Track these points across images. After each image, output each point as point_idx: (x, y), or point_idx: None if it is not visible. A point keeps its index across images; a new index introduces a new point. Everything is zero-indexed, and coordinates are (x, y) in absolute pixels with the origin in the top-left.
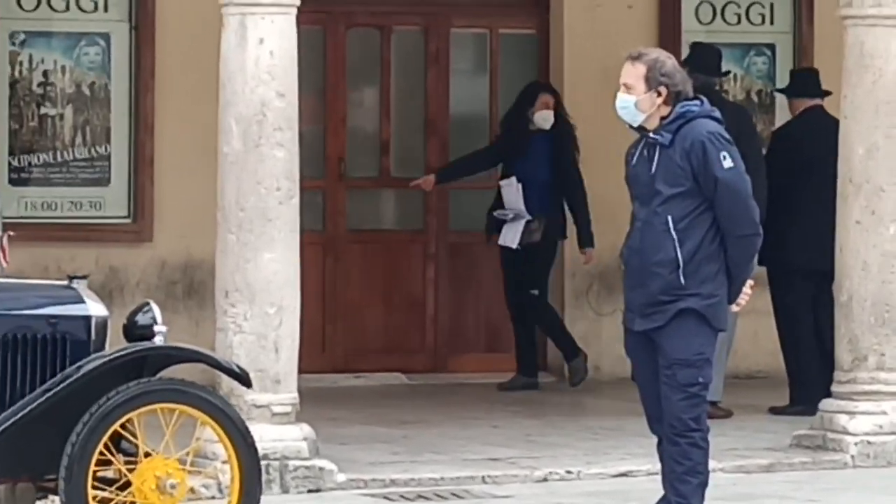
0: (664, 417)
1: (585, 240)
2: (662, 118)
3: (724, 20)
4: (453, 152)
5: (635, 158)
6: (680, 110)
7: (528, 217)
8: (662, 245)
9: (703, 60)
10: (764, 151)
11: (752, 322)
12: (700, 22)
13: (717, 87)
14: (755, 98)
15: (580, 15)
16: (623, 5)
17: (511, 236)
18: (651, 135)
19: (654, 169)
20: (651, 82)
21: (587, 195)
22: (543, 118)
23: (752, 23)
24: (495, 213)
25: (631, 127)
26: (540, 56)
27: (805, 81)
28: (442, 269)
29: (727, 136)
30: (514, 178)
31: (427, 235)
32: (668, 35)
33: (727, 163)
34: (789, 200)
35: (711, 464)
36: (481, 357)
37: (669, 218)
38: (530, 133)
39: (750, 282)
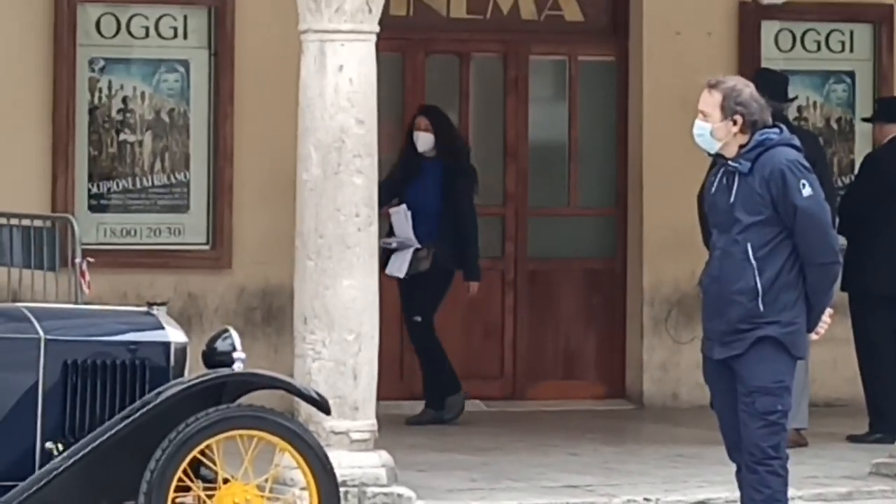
0: (743, 445)
1: (470, 273)
2: (741, 146)
3: (804, 47)
4: (532, 179)
5: (714, 187)
6: (759, 138)
7: (417, 245)
8: (742, 273)
9: (770, 87)
10: (849, 178)
11: (831, 350)
12: (779, 49)
13: (796, 115)
14: (835, 126)
15: (659, 42)
16: (702, 32)
17: (398, 265)
18: (730, 163)
19: (733, 197)
20: (726, 111)
21: (477, 228)
22: (420, 140)
23: (831, 50)
24: (380, 242)
25: (709, 154)
26: (619, 83)
27: (891, 108)
28: (521, 296)
29: (806, 164)
30: (403, 206)
31: (506, 262)
32: (747, 62)
33: (807, 191)
34: (874, 227)
35: (790, 492)
36: (560, 384)
37: (749, 246)
38: (421, 158)
39: (829, 310)
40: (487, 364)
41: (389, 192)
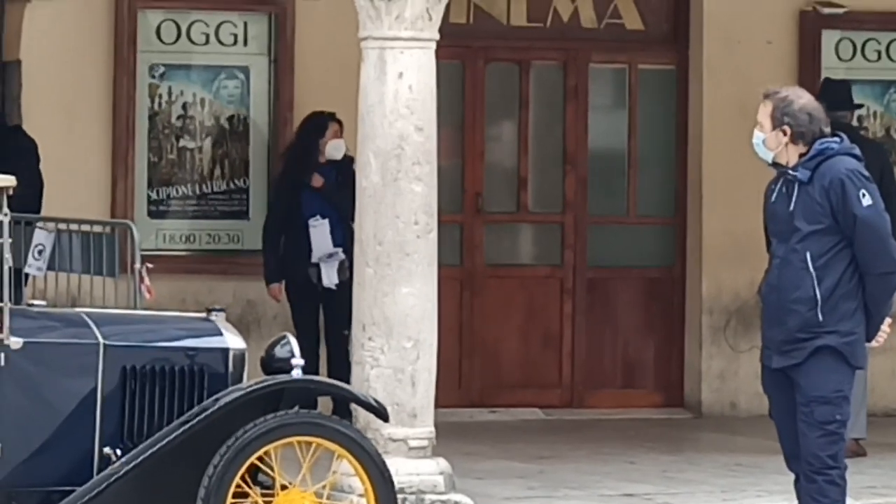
0: (801, 455)
1: None
2: (801, 155)
3: (864, 57)
4: (591, 188)
5: (774, 195)
6: (819, 147)
7: (342, 255)
8: (801, 282)
9: (835, 96)
10: None
11: (890, 360)
12: (840, 58)
13: (857, 125)
14: (895, 135)
15: (719, 51)
16: (763, 41)
17: (331, 275)
18: (790, 172)
19: (792, 206)
20: (776, 121)
21: None
22: (336, 147)
23: (892, 59)
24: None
25: (768, 164)
26: (678, 92)
27: None
28: (579, 305)
29: (866, 173)
30: (318, 217)
31: (564, 270)
32: (807, 71)
33: (866, 201)
34: None
35: (849, 502)
36: (618, 392)
37: (808, 255)
38: (316, 167)
39: (888, 320)
40: (546, 372)
41: (283, 222)
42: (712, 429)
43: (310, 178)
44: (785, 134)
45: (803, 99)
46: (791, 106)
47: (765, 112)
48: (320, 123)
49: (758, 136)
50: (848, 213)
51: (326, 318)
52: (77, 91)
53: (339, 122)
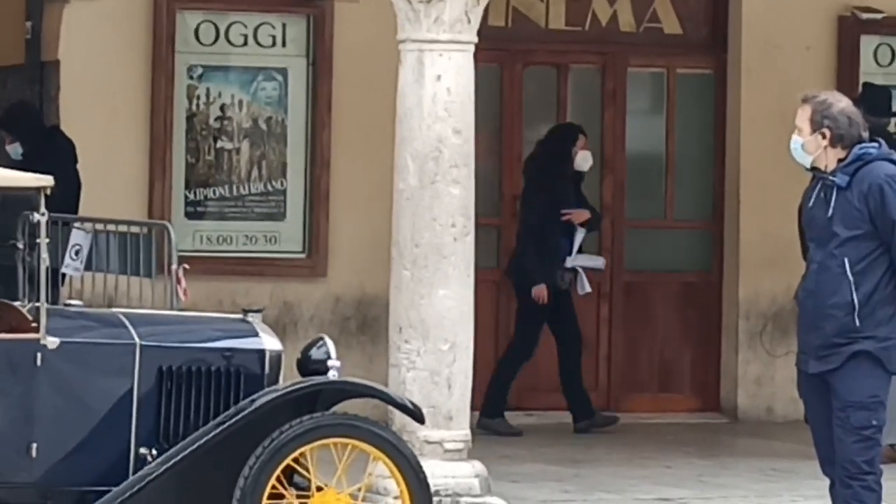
0: (837, 460)
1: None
2: (840, 160)
3: None
4: (629, 192)
5: (812, 200)
6: (858, 152)
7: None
8: (838, 288)
9: (873, 101)
10: None
11: None
12: (878, 64)
13: (894, 131)
14: None
15: (758, 56)
16: (801, 46)
17: (585, 283)
18: (828, 177)
19: (831, 211)
20: (815, 124)
21: None
22: (584, 158)
23: None
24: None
25: (806, 169)
26: (717, 96)
27: None
28: (616, 309)
29: None
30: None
31: (601, 274)
32: (846, 77)
33: None
34: None
35: None
36: (654, 397)
37: (846, 260)
38: (577, 177)
39: None
40: (582, 375)
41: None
42: (748, 433)
43: (564, 186)
44: (824, 137)
45: (842, 102)
46: (830, 109)
47: (803, 116)
48: (571, 133)
49: (796, 140)
50: (886, 219)
51: (562, 321)
52: (115, 92)
53: (585, 134)
